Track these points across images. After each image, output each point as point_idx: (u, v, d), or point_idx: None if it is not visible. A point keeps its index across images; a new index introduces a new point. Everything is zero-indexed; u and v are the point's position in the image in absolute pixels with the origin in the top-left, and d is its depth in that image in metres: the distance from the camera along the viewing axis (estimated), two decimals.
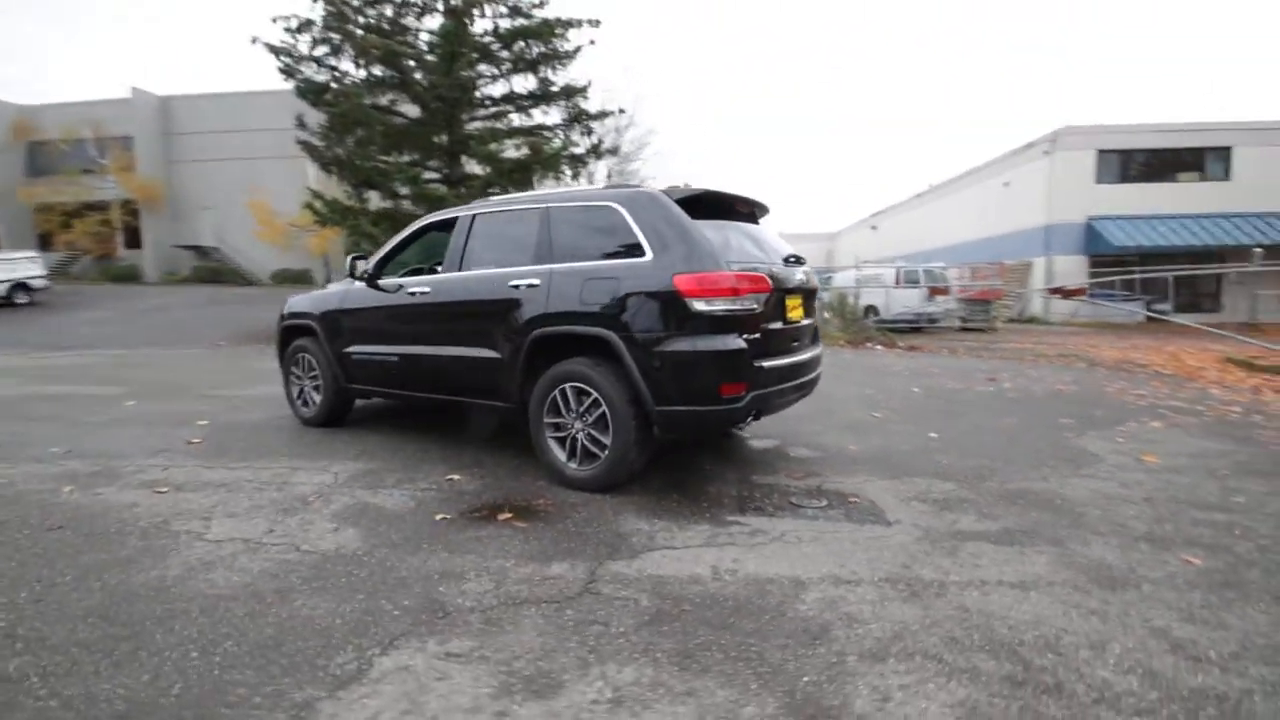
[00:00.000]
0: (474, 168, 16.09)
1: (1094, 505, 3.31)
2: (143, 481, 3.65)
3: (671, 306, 3.19)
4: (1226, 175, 19.86)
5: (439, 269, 5.16)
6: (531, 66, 15.61)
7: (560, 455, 3.59)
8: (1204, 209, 19.42)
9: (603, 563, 2.63)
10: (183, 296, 20.76)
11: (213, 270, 27.17)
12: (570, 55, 15.60)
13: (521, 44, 15.21)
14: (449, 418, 5.37)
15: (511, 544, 2.82)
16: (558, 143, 15.63)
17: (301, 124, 14.55)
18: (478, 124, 16.25)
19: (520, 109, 16.37)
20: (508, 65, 15.65)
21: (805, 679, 1.83)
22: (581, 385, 3.45)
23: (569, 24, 15.13)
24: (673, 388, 3.21)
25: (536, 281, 3.62)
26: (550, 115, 16.34)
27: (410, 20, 15.51)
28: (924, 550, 2.74)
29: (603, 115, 16.42)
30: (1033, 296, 21.39)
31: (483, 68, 15.49)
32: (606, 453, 3.39)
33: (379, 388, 4.65)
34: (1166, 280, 18.03)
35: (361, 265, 4.61)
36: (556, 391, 3.55)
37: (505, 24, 15.25)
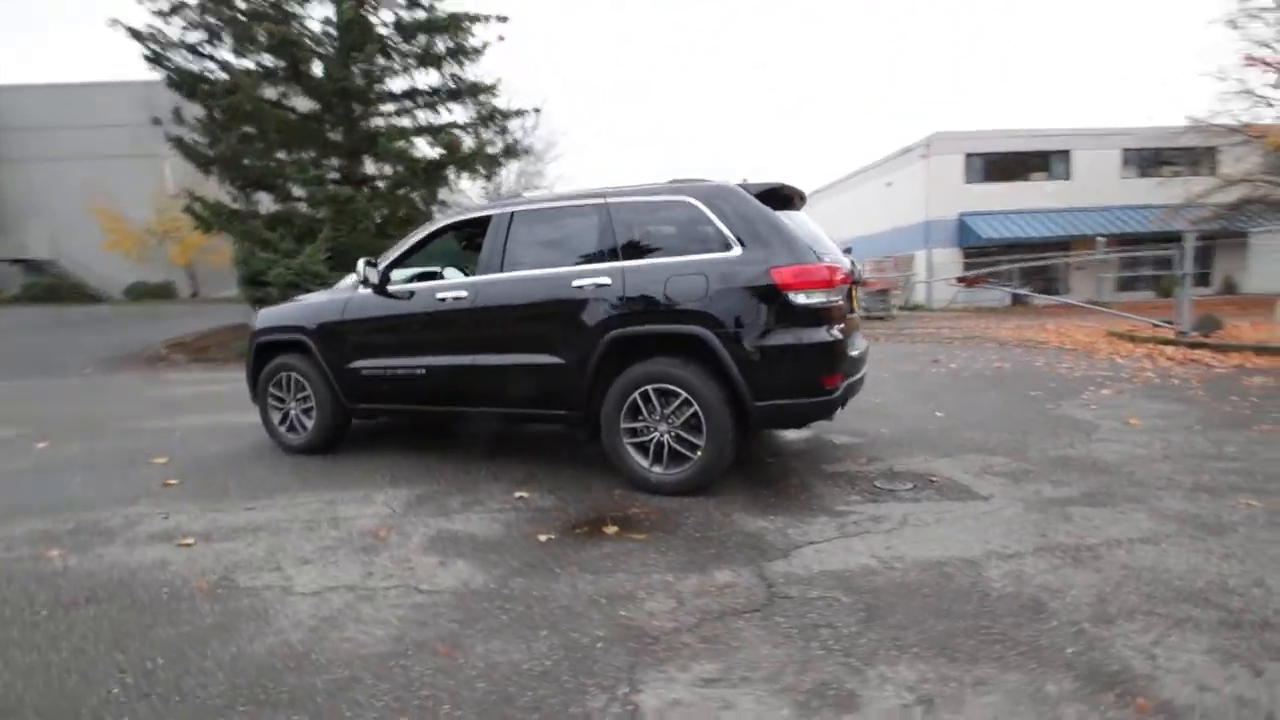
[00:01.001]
0: (372, 167, 15.08)
1: (1132, 465, 3.67)
2: (149, 535, 3.05)
3: (770, 300, 3.15)
4: (1068, 175, 22.94)
5: (443, 273, 4.78)
6: (435, 62, 14.90)
7: (641, 461, 3.43)
8: (1053, 205, 22.29)
9: (762, 565, 2.54)
10: (19, 318, 17.61)
11: (48, 287, 23.36)
12: (478, 51, 15.04)
13: (425, 38, 14.47)
14: (459, 431, 4.95)
15: (648, 558, 2.65)
16: (472, 142, 15.02)
17: (178, 118, 12.88)
18: (380, 121, 15.25)
19: (426, 105, 15.55)
20: (411, 60, 14.82)
21: (1069, 650, 1.87)
22: (667, 386, 3.32)
23: (475, 18, 14.58)
24: (776, 382, 3.17)
25: (607, 280, 3.43)
26: (456, 114, 15.69)
27: (294, 6, 14.25)
28: (1042, 519, 2.90)
29: (518, 114, 15.97)
30: (916, 286, 23.47)
31: (381, 61, 14.55)
32: (699, 454, 3.28)
33: (394, 405, 4.21)
34: (1020, 268, 20.47)
35: (370, 271, 4.13)
36: (636, 394, 3.38)
37: (406, 15, 14.43)
